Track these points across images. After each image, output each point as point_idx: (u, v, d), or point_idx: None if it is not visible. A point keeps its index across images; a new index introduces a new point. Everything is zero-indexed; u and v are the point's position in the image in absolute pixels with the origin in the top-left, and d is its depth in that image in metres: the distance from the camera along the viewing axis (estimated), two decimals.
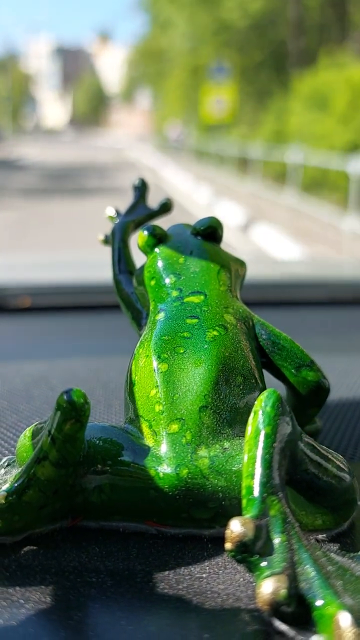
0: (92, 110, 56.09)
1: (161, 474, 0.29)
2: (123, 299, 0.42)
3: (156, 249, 0.39)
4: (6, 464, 0.34)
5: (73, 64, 65.66)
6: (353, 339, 0.73)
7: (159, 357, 0.33)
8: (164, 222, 0.43)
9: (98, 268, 0.89)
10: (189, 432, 0.30)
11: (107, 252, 0.46)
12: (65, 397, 0.28)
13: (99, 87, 56.20)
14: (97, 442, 0.30)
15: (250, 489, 0.26)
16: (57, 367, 0.56)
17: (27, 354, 0.63)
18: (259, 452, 0.26)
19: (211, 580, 0.27)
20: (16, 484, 0.29)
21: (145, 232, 0.39)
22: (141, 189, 0.47)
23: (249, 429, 0.27)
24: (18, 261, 1.17)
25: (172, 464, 0.29)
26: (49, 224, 5.30)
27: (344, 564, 0.26)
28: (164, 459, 0.30)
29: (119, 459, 0.30)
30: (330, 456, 0.30)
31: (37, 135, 40.47)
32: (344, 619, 0.22)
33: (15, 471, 0.33)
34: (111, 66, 62.55)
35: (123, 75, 43.27)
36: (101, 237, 0.47)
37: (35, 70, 60.79)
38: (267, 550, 0.24)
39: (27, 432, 0.33)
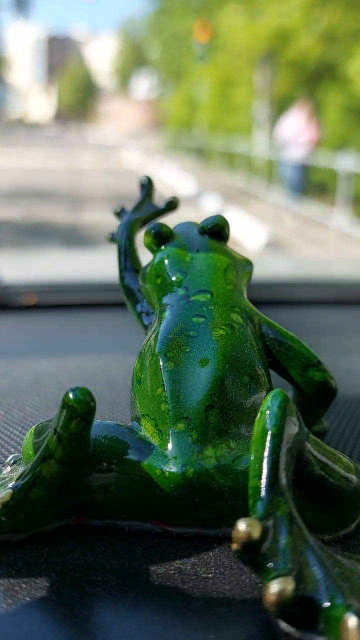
0: (80, 103, 50.62)
1: (167, 473, 0.29)
2: (129, 296, 0.42)
3: (162, 247, 0.39)
4: (12, 461, 0.34)
5: (59, 53, 61.93)
6: (356, 339, 0.73)
7: (165, 355, 0.33)
8: (170, 220, 0.43)
9: (104, 265, 0.89)
10: (195, 431, 0.30)
11: (113, 249, 0.46)
12: (71, 395, 0.28)
13: (88, 77, 50.27)
14: (103, 440, 0.30)
15: (256, 490, 0.25)
16: (63, 365, 0.56)
17: (33, 352, 0.63)
18: (266, 452, 0.26)
19: (217, 580, 0.27)
20: (22, 482, 0.29)
21: (152, 230, 0.39)
22: (147, 186, 0.47)
23: (256, 429, 0.27)
24: (24, 259, 1.17)
25: (178, 463, 0.29)
26: None
27: (351, 566, 0.25)
28: (170, 458, 0.29)
29: (125, 457, 0.30)
30: (337, 457, 0.30)
31: (14, 129, 33.57)
32: (352, 621, 0.21)
33: (22, 469, 0.33)
34: (101, 55, 59.17)
35: (119, 48, 37.79)
36: (108, 235, 0.47)
37: (17, 60, 57.01)
38: (273, 551, 0.24)
39: (33, 430, 0.33)
